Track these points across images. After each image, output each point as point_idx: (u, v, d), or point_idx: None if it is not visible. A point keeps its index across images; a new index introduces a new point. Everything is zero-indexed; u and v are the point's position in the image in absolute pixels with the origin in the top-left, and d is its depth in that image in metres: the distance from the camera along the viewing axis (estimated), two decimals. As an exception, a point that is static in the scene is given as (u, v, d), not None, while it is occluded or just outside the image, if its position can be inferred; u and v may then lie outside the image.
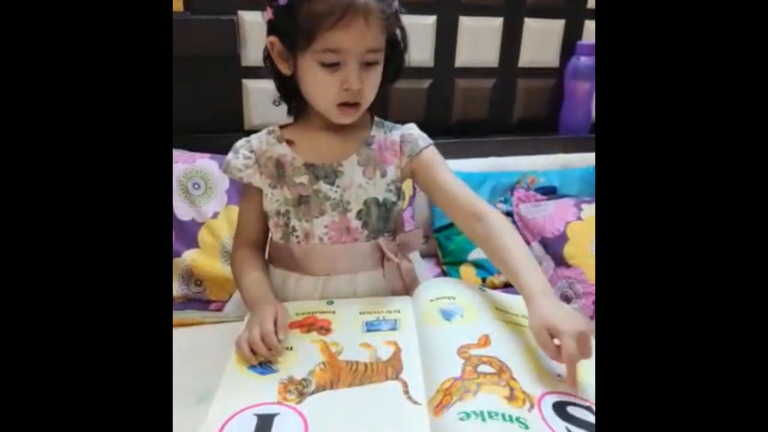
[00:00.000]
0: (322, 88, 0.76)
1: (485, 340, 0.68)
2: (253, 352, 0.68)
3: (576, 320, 0.62)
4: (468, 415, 0.55)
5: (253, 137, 0.86)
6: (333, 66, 0.73)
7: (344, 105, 0.77)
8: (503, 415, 0.55)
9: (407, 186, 0.93)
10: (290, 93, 0.83)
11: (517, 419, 0.55)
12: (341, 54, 0.72)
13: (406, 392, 0.63)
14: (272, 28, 0.77)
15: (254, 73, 1.53)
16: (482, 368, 0.63)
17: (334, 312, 0.79)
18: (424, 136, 0.89)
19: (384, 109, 0.90)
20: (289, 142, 0.84)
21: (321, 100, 0.78)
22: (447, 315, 0.75)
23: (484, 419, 0.55)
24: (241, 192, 0.89)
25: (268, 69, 0.82)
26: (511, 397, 0.58)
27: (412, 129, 0.89)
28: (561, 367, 0.63)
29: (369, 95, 0.78)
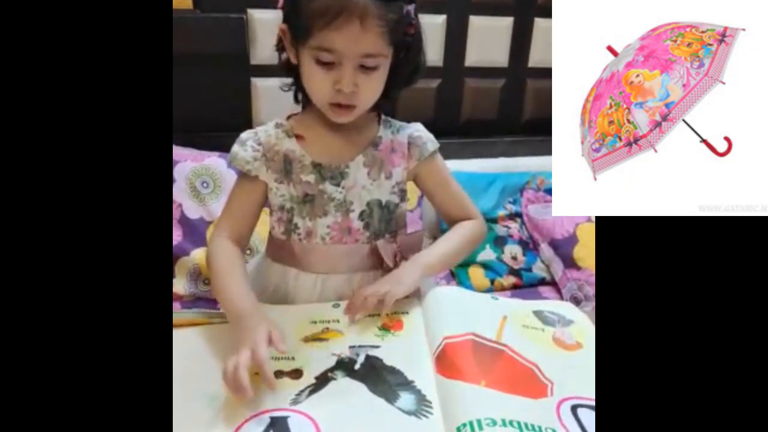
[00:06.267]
0: (315, 85, 0.75)
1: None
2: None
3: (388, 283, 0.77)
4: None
5: (260, 130, 0.84)
6: (328, 64, 0.72)
7: (337, 105, 0.76)
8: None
9: (415, 187, 0.92)
10: (297, 82, 0.82)
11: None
12: (336, 54, 0.71)
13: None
14: (284, 16, 0.77)
15: (263, 71, 1.53)
16: None
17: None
18: (432, 138, 0.88)
19: (392, 108, 0.88)
20: (299, 137, 0.82)
21: (315, 96, 0.78)
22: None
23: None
24: (238, 182, 0.85)
25: (279, 55, 0.81)
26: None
27: (420, 130, 0.88)
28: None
29: (366, 99, 0.77)
